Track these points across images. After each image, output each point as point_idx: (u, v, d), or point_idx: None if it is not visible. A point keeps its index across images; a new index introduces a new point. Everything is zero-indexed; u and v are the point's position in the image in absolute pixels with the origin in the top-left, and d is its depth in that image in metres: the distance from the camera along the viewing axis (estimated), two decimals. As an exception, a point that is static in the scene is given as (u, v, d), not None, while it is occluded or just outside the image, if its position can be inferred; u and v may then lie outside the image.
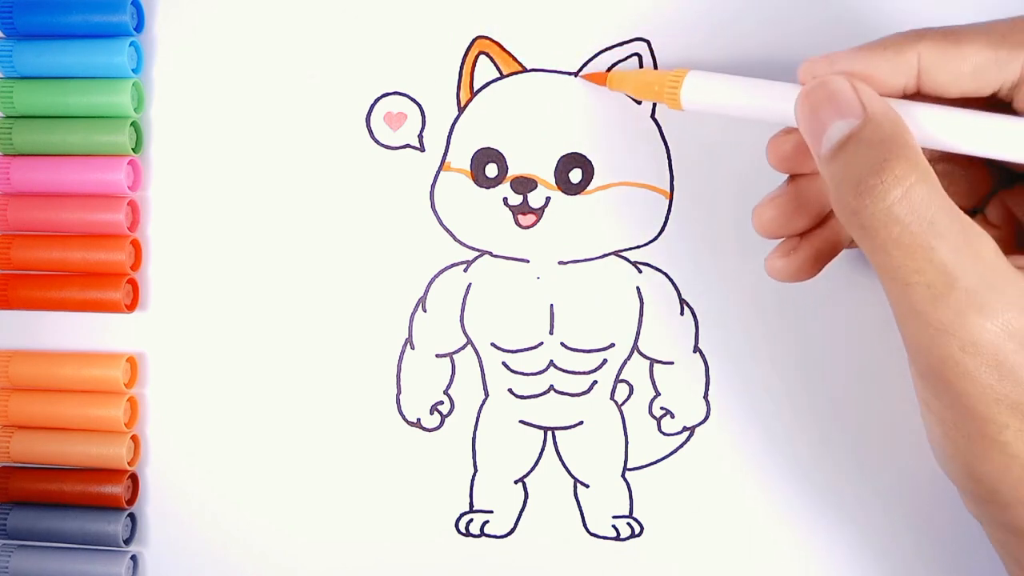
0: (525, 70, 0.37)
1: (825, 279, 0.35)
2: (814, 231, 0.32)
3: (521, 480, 0.38)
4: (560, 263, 0.37)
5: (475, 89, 0.37)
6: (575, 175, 0.37)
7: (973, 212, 0.32)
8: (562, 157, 0.37)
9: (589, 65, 0.37)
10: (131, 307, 0.38)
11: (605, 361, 0.37)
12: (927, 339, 0.26)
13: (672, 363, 0.37)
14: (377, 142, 0.38)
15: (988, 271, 0.26)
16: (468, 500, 0.38)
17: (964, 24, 0.29)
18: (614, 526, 0.37)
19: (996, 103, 0.29)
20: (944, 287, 0.26)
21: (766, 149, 0.33)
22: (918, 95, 0.29)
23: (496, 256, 0.37)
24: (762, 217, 0.32)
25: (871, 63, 0.29)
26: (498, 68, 0.37)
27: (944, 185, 0.27)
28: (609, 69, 0.37)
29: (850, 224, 0.27)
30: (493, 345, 0.37)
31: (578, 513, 0.37)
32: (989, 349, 0.26)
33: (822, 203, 0.32)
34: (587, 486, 0.37)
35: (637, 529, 0.37)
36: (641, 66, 0.37)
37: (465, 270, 0.38)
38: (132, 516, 0.39)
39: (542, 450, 0.38)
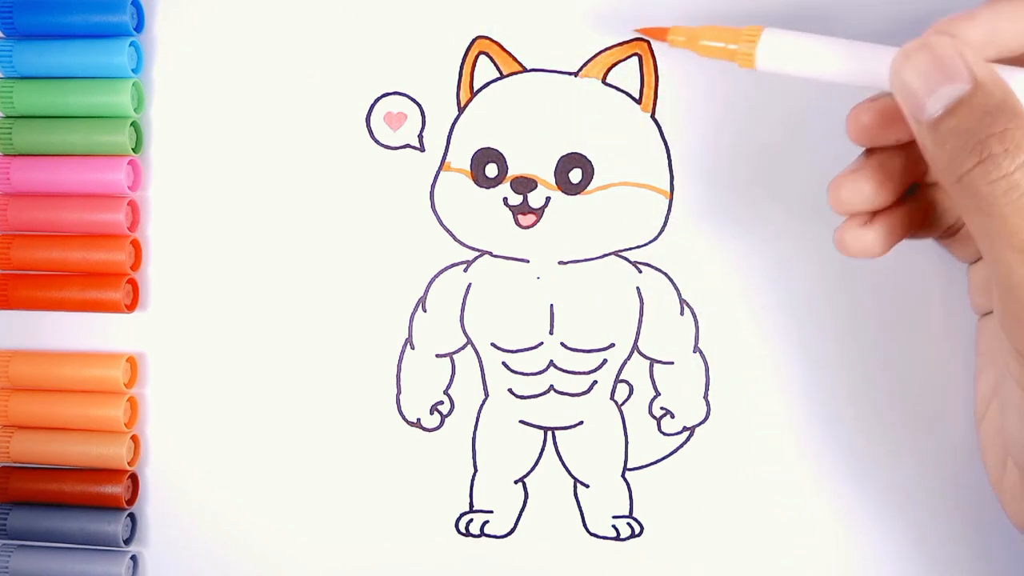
0: (525, 70, 0.37)
1: (824, 279, 0.36)
2: (892, 208, 0.31)
3: (521, 480, 0.38)
4: (560, 263, 0.37)
5: (475, 89, 0.37)
6: (575, 175, 0.37)
7: None
8: (562, 157, 0.37)
9: (589, 64, 0.37)
10: (131, 307, 0.38)
11: (605, 361, 0.37)
12: None
13: (672, 363, 0.37)
14: (377, 142, 0.38)
15: None
16: (468, 500, 0.38)
17: None
18: (614, 526, 0.37)
19: None
20: None
21: (846, 120, 0.32)
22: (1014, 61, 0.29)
23: (496, 256, 0.37)
24: (846, 191, 0.31)
25: (979, 26, 0.28)
26: (498, 68, 0.37)
27: None
28: (608, 69, 0.37)
29: (964, 191, 0.26)
30: (493, 345, 0.37)
31: (578, 513, 0.37)
32: None
33: (905, 179, 0.31)
34: (587, 486, 0.37)
35: (637, 529, 0.37)
36: (641, 67, 0.37)
37: (465, 270, 0.38)
38: (132, 516, 0.39)
39: (542, 450, 0.38)
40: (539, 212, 0.37)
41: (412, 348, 0.38)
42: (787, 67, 0.31)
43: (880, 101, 0.31)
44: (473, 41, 0.37)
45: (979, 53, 0.28)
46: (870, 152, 0.32)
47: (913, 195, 0.32)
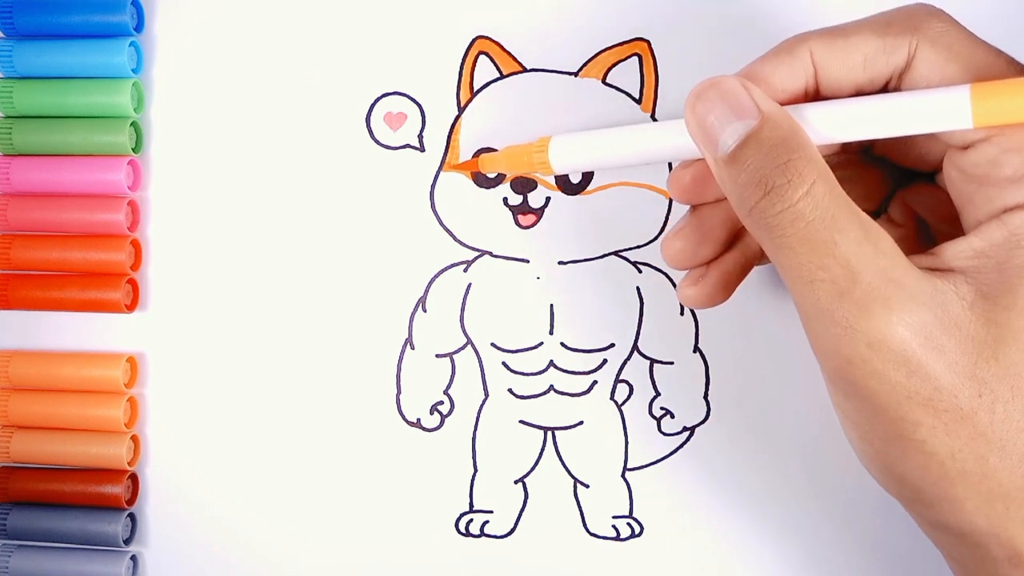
0: (525, 70, 0.37)
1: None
2: (721, 257, 0.32)
3: (521, 480, 0.38)
4: (560, 263, 0.37)
5: (475, 89, 0.37)
6: (575, 175, 0.37)
7: (874, 215, 0.33)
8: (562, 157, 0.37)
9: (589, 64, 0.37)
10: (131, 307, 0.38)
11: (605, 361, 0.37)
12: (834, 339, 0.26)
13: (672, 363, 0.37)
14: (377, 142, 0.38)
15: (889, 266, 0.26)
16: (468, 500, 0.38)
17: (850, 21, 0.29)
18: (614, 526, 0.37)
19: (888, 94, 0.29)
20: (847, 282, 0.26)
21: (667, 183, 0.33)
22: (817, 97, 0.29)
23: (496, 256, 0.37)
24: (671, 250, 0.32)
25: (768, 69, 0.29)
26: (498, 68, 0.37)
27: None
28: (608, 69, 0.37)
29: (755, 224, 0.27)
30: (493, 345, 0.37)
31: (578, 513, 0.37)
32: (896, 344, 0.26)
33: (727, 229, 0.32)
34: (587, 486, 0.37)
35: (637, 529, 0.37)
36: (641, 67, 0.37)
37: (465, 270, 0.38)
38: (132, 516, 0.39)
39: (542, 450, 0.38)
40: (539, 212, 0.37)
41: (412, 348, 0.38)
42: (581, 164, 0.33)
43: (696, 164, 0.32)
44: (473, 41, 0.37)
45: (778, 94, 0.29)
46: (694, 209, 0.33)
47: (744, 238, 0.33)
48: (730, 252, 0.32)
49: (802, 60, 0.29)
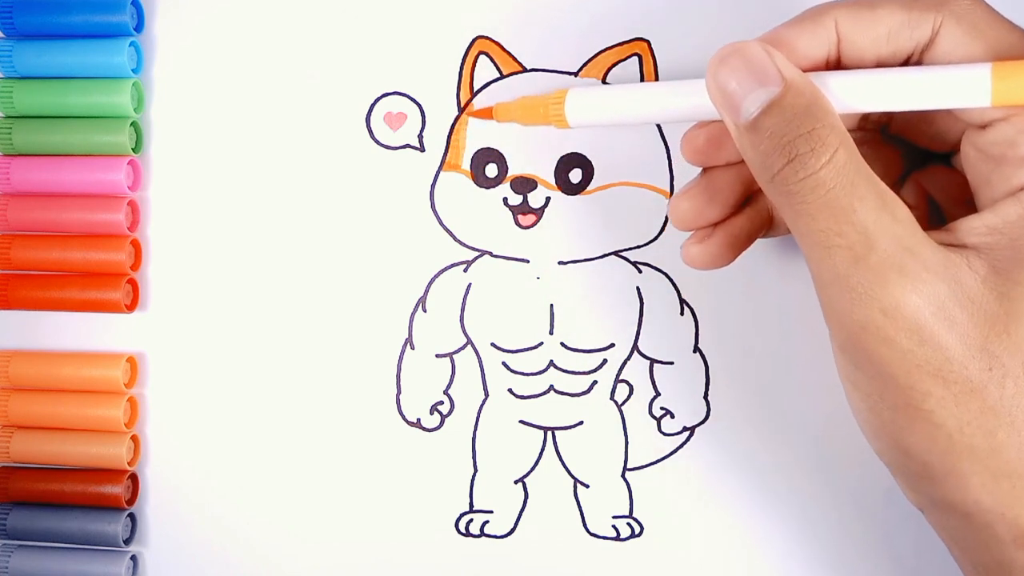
0: (525, 70, 0.37)
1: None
2: (728, 219, 0.33)
3: (521, 480, 0.38)
4: (560, 263, 0.37)
5: (475, 89, 0.37)
6: (575, 175, 0.37)
7: None
8: (562, 157, 0.37)
9: (589, 64, 0.37)
10: (131, 307, 0.38)
11: (605, 361, 0.37)
12: (848, 304, 0.27)
13: (672, 363, 0.37)
14: (377, 142, 0.38)
15: (905, 234, 0.26)
16: (468, 500, 0.38)
17: None
18: (614, 526, 0.37)
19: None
20: (864, 249, 0.26)
21: (680, 143, 0.33)
22: (839, 68, 0.30)
23: (496, 256, 0.37)
24: (678, 209, 0.32)
25: (792, 34, 0.29)
26: (498, 68, 0.37)
27: None
28: (608, 69, 0.37)
29: (776, 191, 0.27)
30: (493, 345, 0.37)
31: (578, 513, 0.37)
32: (909, 312, 0.26)
33: (735, 191, 0.32)
34: (587, 486, 0.37)
35: (637, 529, 0.37)
36: (641, 67, 0.37)
37: (465, 270, 0.38)
38: (132, 516, 0.39)
39: (542, 450, 0.38)
40: (539, 212, 0.37)
41: (412, 348, 0.38)
42: (598, 119, 0.33)
43: (712, 125, 0.32)
44: (473, 41, 0.37)
45: (801, 60, 0.29)
46: (705, 171, 0.33)
47: (752, 204, 0.33)
48: (738, 216, 0.33)
49: (826, 28, 0.29)
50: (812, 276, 0.28)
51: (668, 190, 0.37)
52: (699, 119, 0.32)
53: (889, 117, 0.32)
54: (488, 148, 0.37)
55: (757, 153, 0.27)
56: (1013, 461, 0.26)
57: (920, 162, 0.33)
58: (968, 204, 0.30)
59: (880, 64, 0.29)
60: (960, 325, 0.26)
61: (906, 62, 0.29)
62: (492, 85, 0.37)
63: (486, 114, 0.37)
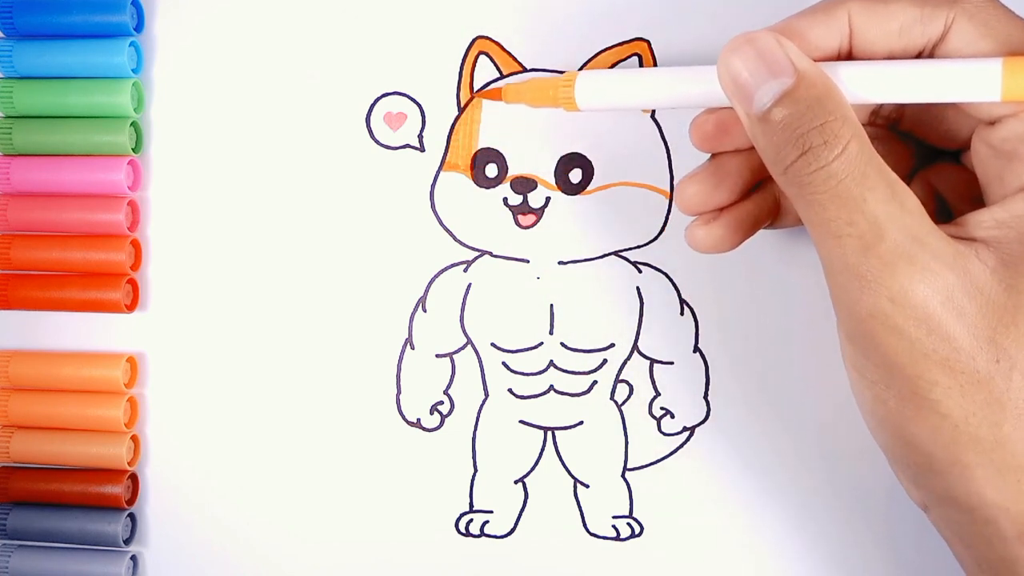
0: (525, 70, 0.37)
1: (825, 278, 0.35)
2: (735, 204, 0.33)
3: (521, 480, 0.38)
4: (560, 263, 0.37)
5: (475, 89, 0.37)
6: (575, 175, 0.37)
7: None
8: (562, 157, 0.37)
9: (589, 64, 0.37)
10: (131, 307, 0.38)
11: (605, 361, 0.37)
12: (856, 292, 0.27)
13: (672, 363, 0.37)
14: (377, 142, 0.38)
15: (915, 225, 0.26)
16: (468, 500, 0.38)
17: None
18: (614, 526, 0.37)
19: None
20: (874, 238, 0.26)
21: (689, 129, 0.33)
22: (850, 57, 0.30)
23: (496, 256, 0.37)
24: (685, 192, 0.32)
25: (804, 24, 0.29)
26: (498, 68, 0.37)
27: None
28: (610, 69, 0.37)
29: (788, 182, 0.27)
30: (493, 345, 0.37)
31: (578, 513, 0.37)
32: (918, 301, 0.26)
33: (743, 177, 0.32)
34: (587, 486, 0.37)
35: (637, 529, 0.37)
36: (641, 67, 0.37)
37: (465, 270, 0.38)
38: (132, 516, 0.39)
39: (542, 450, 0.38)
40: (539, 212, 0.37)
41: (412, 348, 0.38)
42: (607, 103, 0.33)
43: (721, 111, 0.32)
44: (473, 41, 0.37)
45: (812, 51, 0.29)
46: (713, 156, 0.33)
47: (759, 191, 0.33)
48: (744, 201, 0.33)
49: (839, 21, 0.29)
50: (822, 264, 0.28)
51: (668, 190, 0.37)
52: (708, 105, 0.31)
53: (900, 114, 0.32)
54: (488, 148, 0.37)
55: (770, 144, 0.27)
56: (1019, 455, 0.26)
57: (929, 159, 0.33)
58: (976, 201, 0.30)
59: (891, 57, 0.29)
60: (968, 316, 0.26)
61: (917, 57, 0.29)
62: (492, 85, 0.37)
63: (495, 95, 0.36)
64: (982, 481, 0.27)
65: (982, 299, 0.26)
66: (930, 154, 0.33)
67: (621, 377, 0.37)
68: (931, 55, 0.29)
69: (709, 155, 0.33)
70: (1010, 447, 0.26)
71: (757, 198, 0.33)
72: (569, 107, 0.33)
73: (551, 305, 0.37)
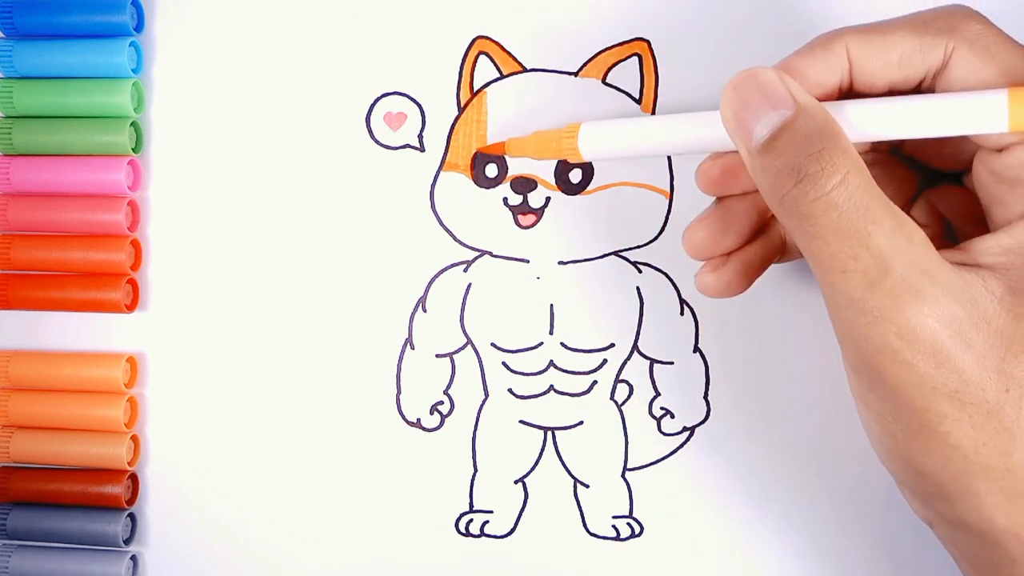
0: (525, 70, 0.37)
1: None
2: (742, 248, 0.33)
3: (521, 480, 0.38)
4: (560, 263, 0.37)
5: (475, 89, 0.37)
6: (575, 175, 0.37)
7: None
8: (562, 157, 0.37)
9: (589, 64, 0.37)
10: (131, 307, 0.38)
11: (605, 361, 0.37)
12: (863, 328, 0.26)
13: (672, 363, 0.37)
14: (377, 142, 0.38)
15: (921, 258, 0.26)
16: (468, 500, 0.38)
17: (887, 19, 0.30)
18: (614, 526, 0.37)
19: (921, 93, 0.30)
20: (879, 273, 0.26)
21: (695, 175, 0.33)
22: (851, 93, 0.30)
23: (496, 256, 0.37)
24: (693, 238, 0.33)
25: (804, 63, 0.29)
26: (498, 68, 0.37)
27: None
28: (608, 69, 0.37)
29: (787, 214, 0.27)
30: (493, 345, 0.37)
31: (578, 513, 0.37)
32: (926, 335, 0.26)
33: (750, 220, 0.32)
34: (587, 486, 0.37)
35: (637, 529, 0.37)
36: (641, 67, 0.37)
37: (465, 270, 0.38)
38: (132, 516, 0.39)
39: (542, 450, 0.38)
40: (539, 212, 0.37)
41: (412, 348, 0.38)
42: (611, 152, 0.34)
43: (727, 156, 0.32)
44: (473, 41, 0.37)
45: (813, 88, 0.29)
46: (719, 200, 0.33)
47: (766, 232, 0.33)
48: (751, 244, 0.33)
49: (838, 55, 0.29)
50: (825, 300, 0.28)
51: (668, 190, 0.37)
52: (713, 150, 0.32)
53: (901, 139, 0.32)
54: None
55: (768, 175, 0.27)
56: None
57: (932, 181, 0.33)
58: (980, 222, 0.30)
59: (892, 89, 0.29)
60: (977, 347, 0.26)
61: (918, 87, 0.29)
62: (492, 85, 0.37)
63: (498, 149, 0.37)
64: (992, 508, 0.27)
65: (990, 329, 0.26)
66: (932, 176, 0.33)
67: (621, 377, 0.37)
68: (932, 84, 0.29)
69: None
70: (1020, 474, 0.26)
71: (764, 239, 0.33)
72: (573, 158, 0.34)
73: (551, 305, 0.37)
